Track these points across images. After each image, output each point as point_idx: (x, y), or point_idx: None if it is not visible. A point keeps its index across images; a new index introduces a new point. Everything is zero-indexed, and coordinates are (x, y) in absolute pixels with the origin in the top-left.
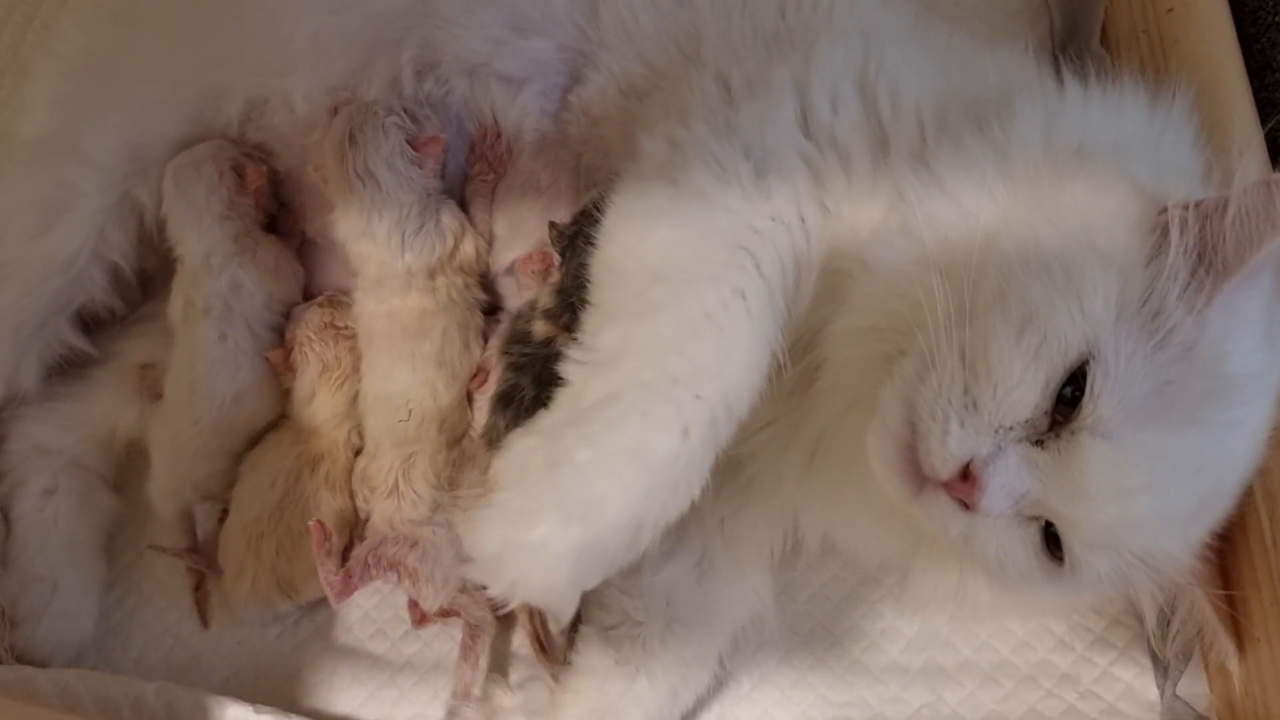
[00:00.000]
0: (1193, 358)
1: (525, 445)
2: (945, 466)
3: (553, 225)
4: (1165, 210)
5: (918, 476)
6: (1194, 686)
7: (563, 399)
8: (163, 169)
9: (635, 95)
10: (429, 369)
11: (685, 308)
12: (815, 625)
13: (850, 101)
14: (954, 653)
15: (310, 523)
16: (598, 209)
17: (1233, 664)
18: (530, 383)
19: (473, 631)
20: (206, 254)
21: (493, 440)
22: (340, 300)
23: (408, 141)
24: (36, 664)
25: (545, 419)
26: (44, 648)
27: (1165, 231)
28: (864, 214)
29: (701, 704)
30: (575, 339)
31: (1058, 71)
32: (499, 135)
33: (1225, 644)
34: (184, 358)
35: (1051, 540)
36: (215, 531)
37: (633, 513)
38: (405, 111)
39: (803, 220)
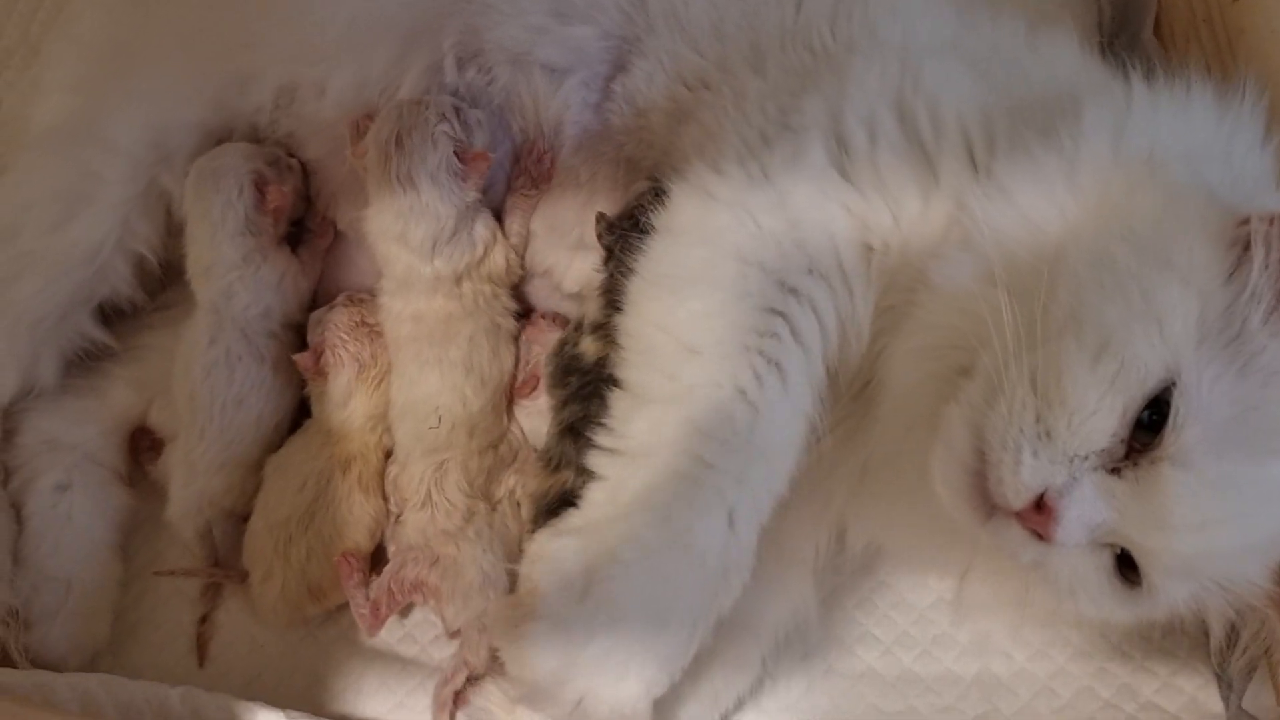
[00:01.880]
0: (1277, 383)
1: (561, 547)
2: (1018, 497)
3: (601, 217)
4: (1245, 222)
5: (987, 503)
6: (1259, 699)
7: (595, 495)
8: (189, 156)
9: (685, 84)
10: (457, 374)
11: (718, 386)
12: (864, 632)
13: (888, 127)
14: (1009, 661)
15: (336, 558)
16: (652, 199)
17: None
18: (600, 410)
19: (454, 667)
20: (209, 265)
21: (558, 467)
22: (361, 299)
23: (455, 153)
24: (51, 667)
25: (578, 517)
26: (58, 650)
27: (1246, 245)
28: (917, 242)
29: (742, 704)
30: (603, 424)
31: (1110, 65)
32: (546, 151)
33: None
34: (181, 365)
35: (1124, 563)
36: (235, 535)
37: (689, 610)
38: (455, 111)
39: (843, 270)
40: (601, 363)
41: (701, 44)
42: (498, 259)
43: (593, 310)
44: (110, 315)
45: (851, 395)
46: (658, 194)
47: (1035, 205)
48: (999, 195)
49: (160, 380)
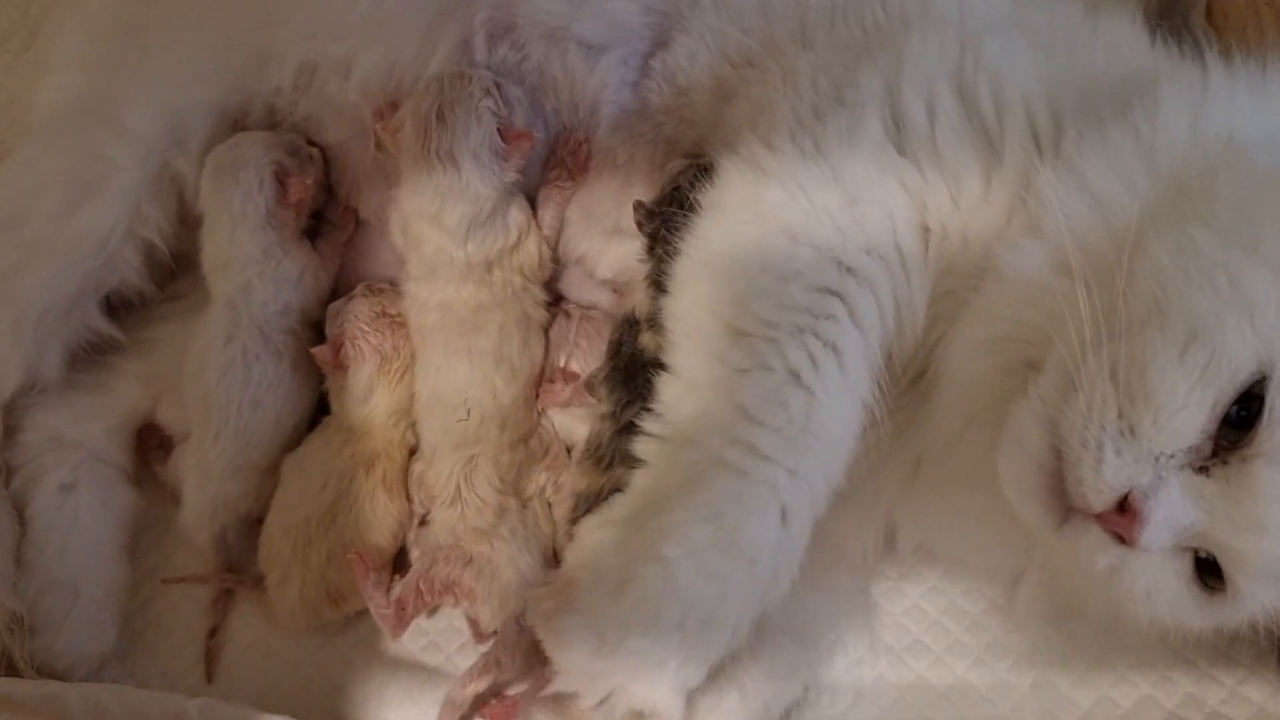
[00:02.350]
0: None
1: (601, 539)
2: (1100, 498)
3: (639, 205)
4: None
5: (1062, 506)
6: None
7: (639, 482)
8: (204, 139)
9: (729, 62)
10: (487, 365)
11: (769, 370)
12: (913, 641)
13: (948, 105)
14: (1068, 670)
15: (349, 556)
16: (694, 179)
17: None
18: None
19: (485, 666)
20: (227, 261)
21: (610, 464)
22: (381, 288)
23: (498, 130)
24: (57, 676)
25: (621, 505)
26: (65, 658)
27: None
28: (978, 225)
29: (790, 715)
30: (650, 409)
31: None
32: (582, 143)
33: None
34: (195, 364)
35: (1203, 567)
36: (249, 538)
37: (733, 610)
38: (497, 86)
39: (900, 251)
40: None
41: (747, 20)
42: (530, 248)
43: (644, 302)
44: (117, 306)
45: (905, 386)
46: (699, 171)
47: (1110, 189)
48: (1071, 179)
49: (170, 375)
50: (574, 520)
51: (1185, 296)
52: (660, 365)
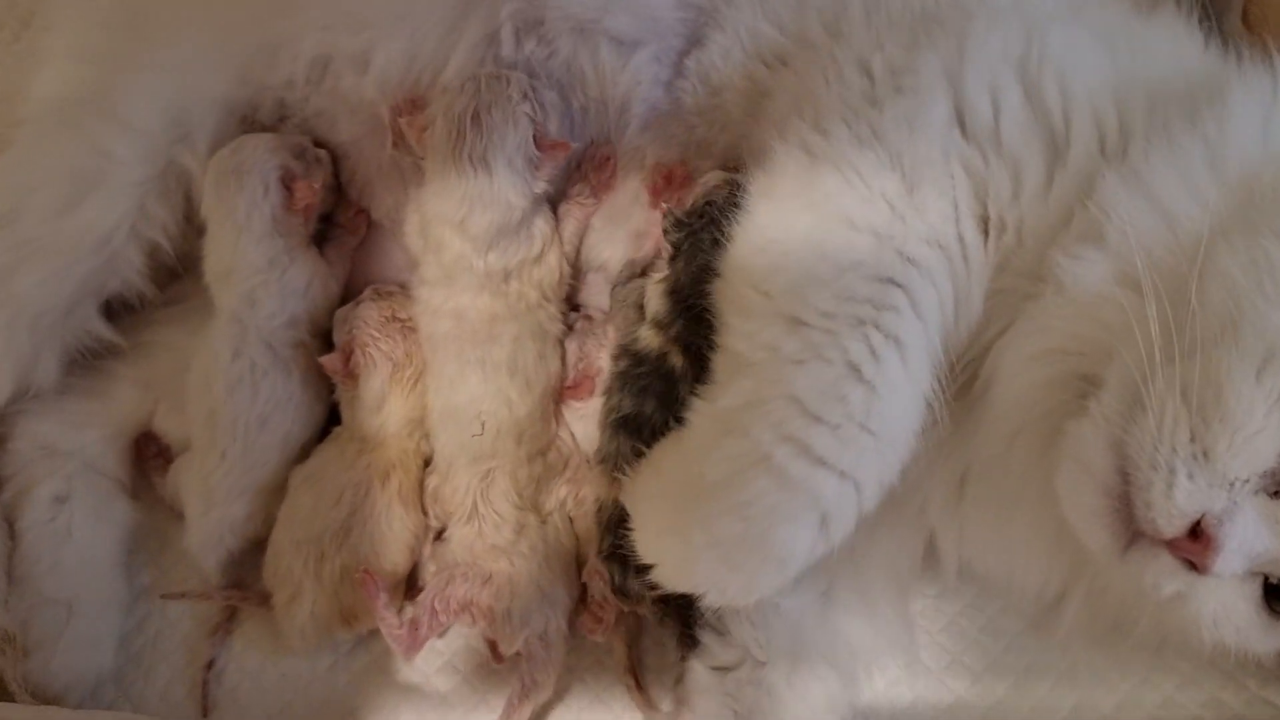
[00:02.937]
0: None
1: (647, 495)
2: (1171, 524)
3: (669, 211)
4: None
5: (1128, 530)
6: None
7: (682, 444)
8: (211, 134)
9: (763, 61)
10: (501, 377)
11: (827, 362)
12: (952, 660)
13: (1013, 97)
14: (1111, 691)
15: (358, 575)
16: (728, 198)
17: None
18: (656, 407)
19: (524, 690)
20: (231, 269)
21: (616, 466)
22: (389, 291)
23: (534, 137)
24: (51, 698)
25: (671, 460)
26: (59, 680)
27: None
28: (1036, 222)
29: None
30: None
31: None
32: (609, 159)
33: None
34: (200, 379)
35: (1270, 591)
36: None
37: (754, 589)
38: (533, 90)
39: (962, 241)
40: (662, 358)
41: (783, 16)
42: (550, 262)
43: (655, 304)
44: (116, 309)
45: (953, 395)
46: (734, 188)
47: (1178, 200)
48: (1137, 188)
49: (170, 381)
50: (602, 524)
51: (1261, 313)
52: (660, 364)
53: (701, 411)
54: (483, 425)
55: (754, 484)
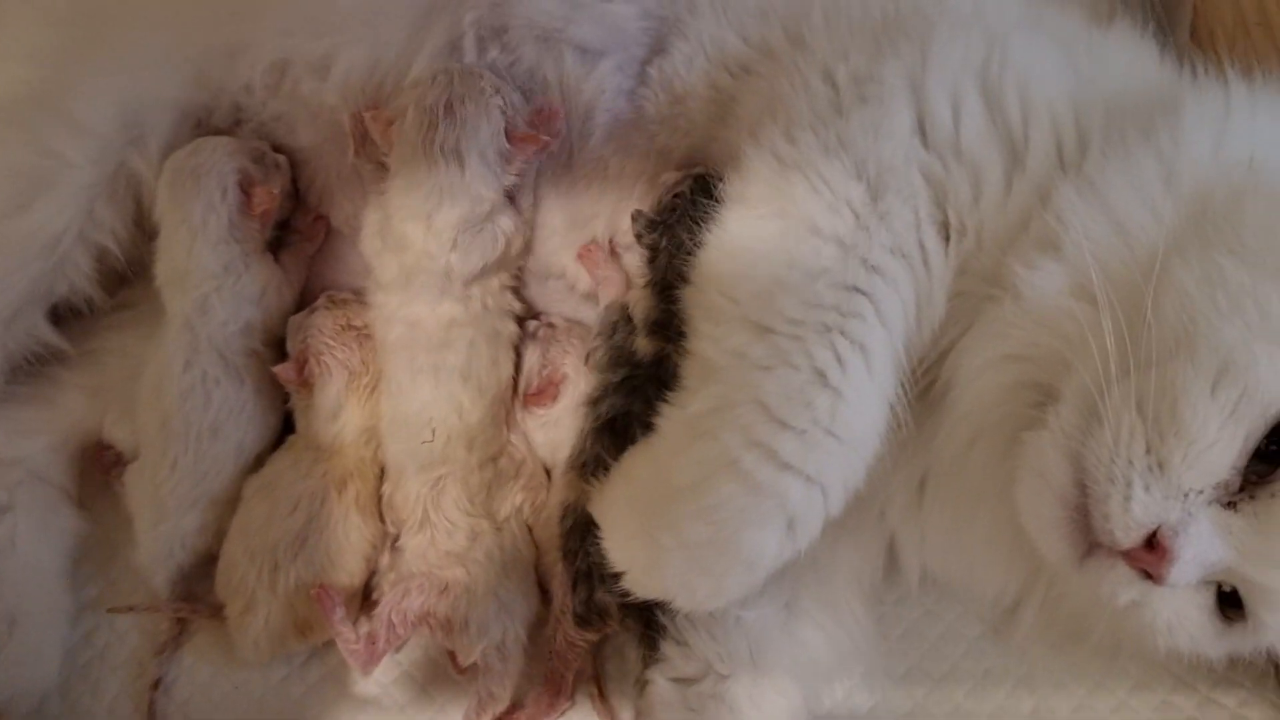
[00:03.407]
0: None
1: (617, 501)
2: (1128, 535)
3: (639, 214)
4: None
5: (1085, 541)
6: None
7: (652, 450)
8: (164, 137)
9: (727, 70)
10: (453, 383)
11: (794, 368)
12: (911, 667)
13: (973, 105)
14: (1067, 695)
15: (313, 591)
16: (695, 186)
17: None
18: (644, 409)
19: (480, 704)
20: (183, 274)
21: (594, 471)
22: (344, 299)
23: (505, 130)
24: None
25: (639, 464)
26: (2, 694)
27: None
28: (995, 226)
29: None
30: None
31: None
32: (557, 112)
33: None
34: (151, 388)
35: (1223, 598)
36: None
37: (722, 594)
38: (504, 92)
39: (924, 249)
40: (659, 362)
41: (746, 25)
42: (514, 246)
43: (644, 307)
44: (63, 315)
45: (913, 399)
46: (696, 181)
47: (1133, 212)
48: (1093, 199)
49: (119, 388)
50: (565, 532)
51: (1215, 328)
52: (655, 368)
53: (671, 417)
54: (433, 432)
55: (722, 488)
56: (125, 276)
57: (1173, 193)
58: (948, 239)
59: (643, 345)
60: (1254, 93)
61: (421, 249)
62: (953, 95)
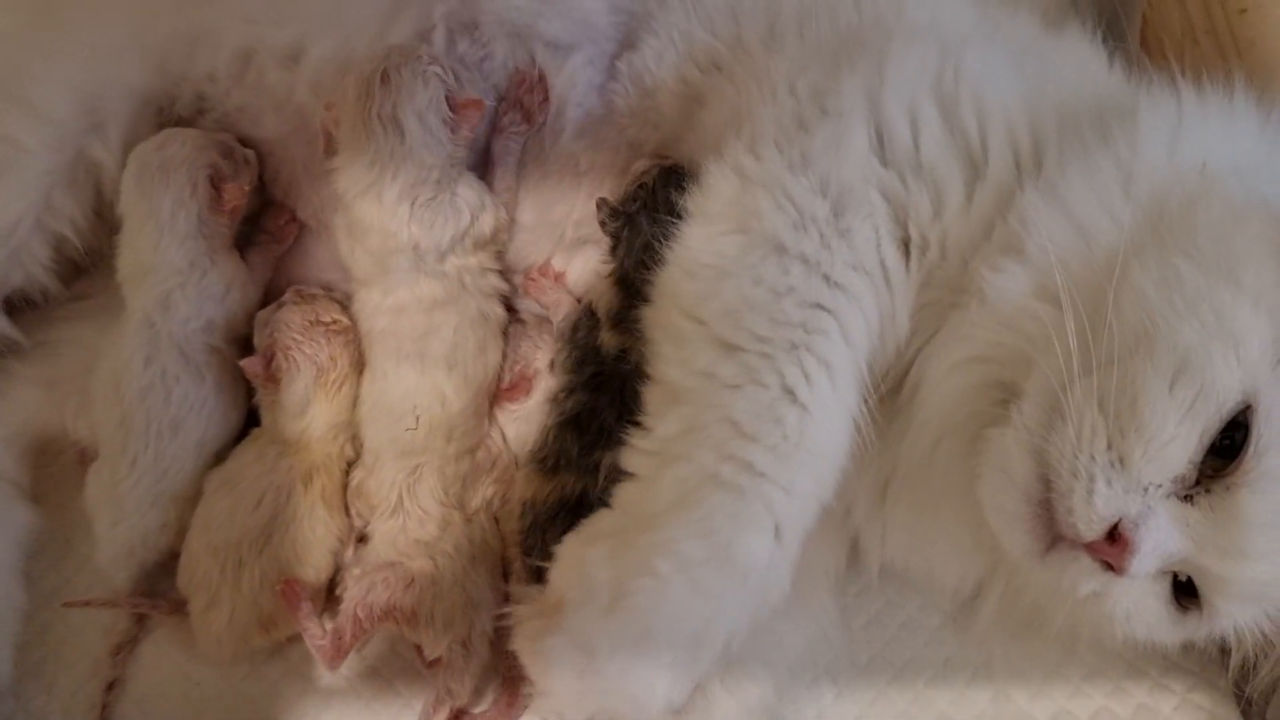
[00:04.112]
0: None
1: (591, 555)
2: (1091, 529)
3: (603, 202)
4: None
5: (1049, 534)
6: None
7: (626, 496)
8: (124, 125)
9: (696, 64)
10: (438, 372)
11: (763, 386)
12: (874, 655)
13: (930, 117)
14: (1025, 683)
15: (278, 587)
16: (660, 177)
17: None
18: (610, 404)
19: (439, 699)
20: (148, 269)
21: (555, 468)
22: (313, 294)
23: (446, 99)
24: None
25: (609, 519)
26: None
27: None
28: (957, 237)
29: None
30: (639, 423)
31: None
32: (541, 78)
33: None
34: (108, 384)
35: (1178, 587)
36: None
37: (725, 627)
38: (446, 66)
39: (885, 267)
40: (623, 356)
41: (716, 21)
42: (485, 224)
43: (606, 300)
44: (17, 305)
45: (879, 401)
46: (665, 171)
47: (1093, 216)
48: (1055, 203)
49: (75, 380)
50: (525, 530)
51: (1172, 328)
52: (620, 362)
53: (637, 449)
54: (416, 420)
55: (709, 499)
56: (82, 267)
57: (1131, 198)
58: (909, 254)
59: (607, 339)
60: (1205, 100)
61: (380, 227)
62: (910, 109)
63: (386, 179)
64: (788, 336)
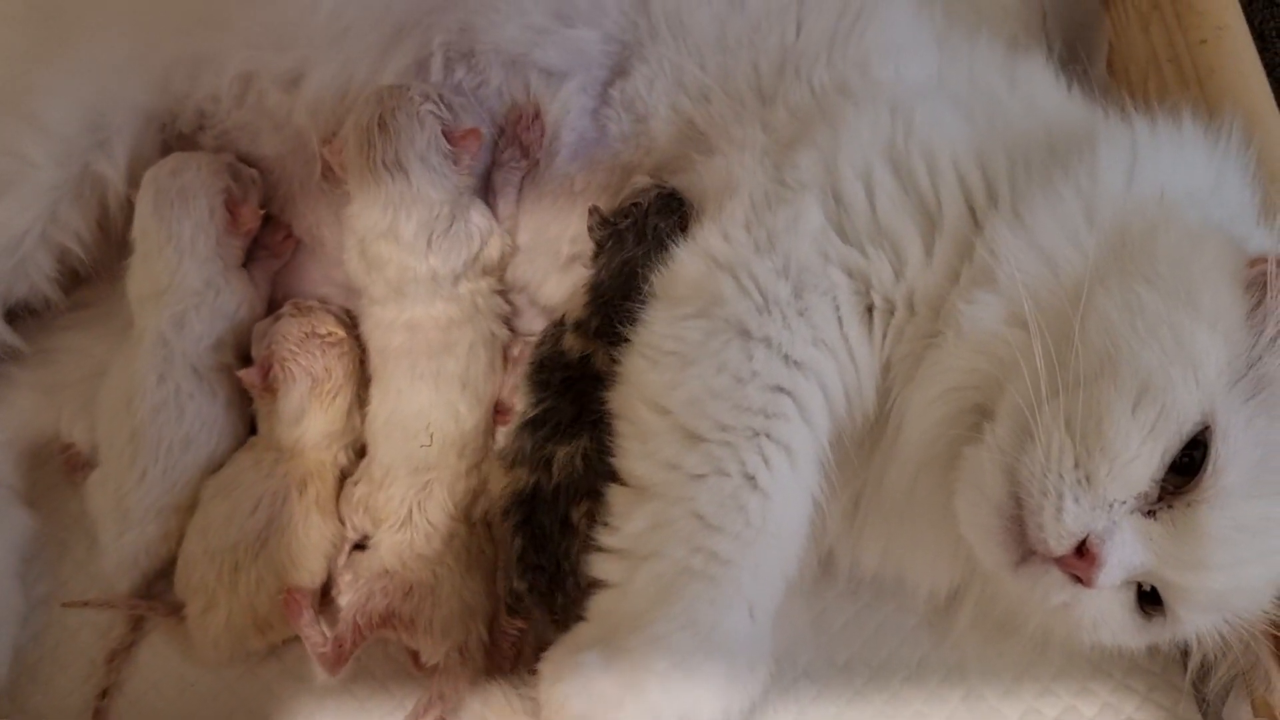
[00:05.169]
0: None
1: (585, 664)
2: (1061, 544)
3: (595, 210)
4: (1254, 262)
5: (1020, 548)
6: (1238, 713)
7: (602, 605)
8: (129, 141)
9: (686, 94)
10: (453, 390)
11: (726, 475)
12: (852, 655)
13: (884, 180)
14: (995, 682)
15: (281, 595)
16: (655, 202)
17: (1276, 698)
18: (569, 403)
19: (430, 702)
20: (164, 289)
21: (513, 463)
22: (309, 307)
23: (443, 133)
24: None
25: (590, 629)
26: None
27: (1261, 285)
28: (924, 289)
29: None
30: (606, 524)
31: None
32: (537, 115)
33: (1276, 680)
34: (119, 399)
35: (1144, 597)
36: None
37: (724, 708)
38: (440, 98)
39: (847, 341)
40: (586, 359)
41: (704, 53)
42: (493, 249)
43: (577, 307)
44: (18, 313)
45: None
46: (661, 195)
47: (1058, 245)
48: (1022, 233)
49: (74, 386)
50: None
51: (1135, 352)
52: (580, 368)
53: (606, 550)
54: (431, 437)
55: (687, 590)
56: (84, 276)
57: (1094, 227)
58: (874, 320)
59: (570, 341)
60: (1163, 129)
61: (399, 263)
62: (864, 175)
63: (402, 219)
64: (749, 424)
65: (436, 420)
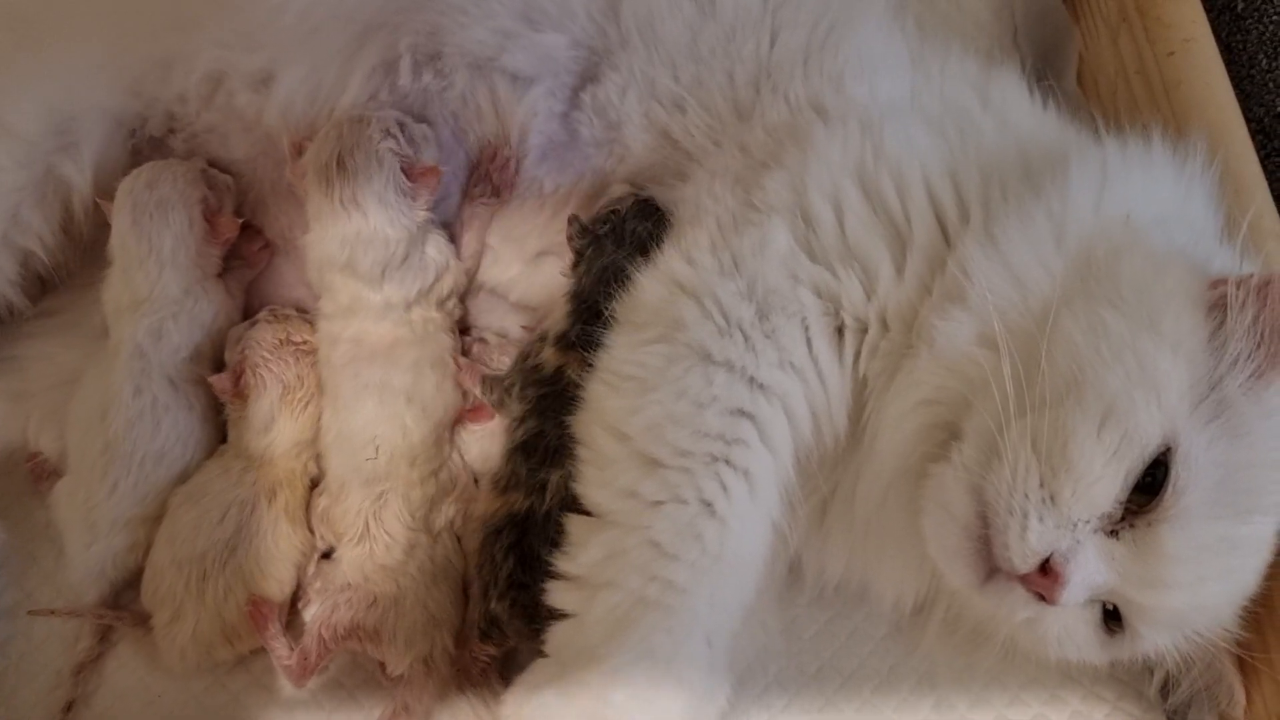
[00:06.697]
0: (1254, 443)
1: (545, 704)
2: (1025, 562)
3: (575, 219)
4: (1215, 284)
5: (986, 566)
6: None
7: (560, 638)
8: (95, 144)
9: (659, 103)
10: (398, 403)
11: (683, 503)
12: (824, 664)
13: (853, 201)
14: (965, 690)
15: (246, 606)
16: (633, 209)
17: (1239, 712)
18: (554, 426)
19: (394, 714)
20: (142, 299)
21: (505, 487)
22: (286, 314)
23: (402, 169)
24: None
25: (548, 667)
26: None
27: (1222, 307)
28: (895, 307)
29: None
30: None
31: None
32: (509, 157)
33: (1239, 694)
34: (93, 411)
35: (1107, 614)
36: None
37: None
38: (400, 126)
39: (815, 361)
40: (559, 372)
41: (677, 62)
42: (446, 284)
43: (558, 319)
44: None
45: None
46: (639, 203)
47: (1027, 267)
48: (993, 253)
49: (41, 395)
50: (480, 548)
51: (1099, 376)
52: (555, 381)
53: (563, 577)
54: (376, 449)
55: (642, 620)
56: (49, 283)
57: (1062, 249)
58: (845, 339)
59: (548, 355)
60: (1131, 150)
61: (353, 293)
62: (833, 196)
63: (359, 255)
64: (708, 449)
65: (383, 433)
